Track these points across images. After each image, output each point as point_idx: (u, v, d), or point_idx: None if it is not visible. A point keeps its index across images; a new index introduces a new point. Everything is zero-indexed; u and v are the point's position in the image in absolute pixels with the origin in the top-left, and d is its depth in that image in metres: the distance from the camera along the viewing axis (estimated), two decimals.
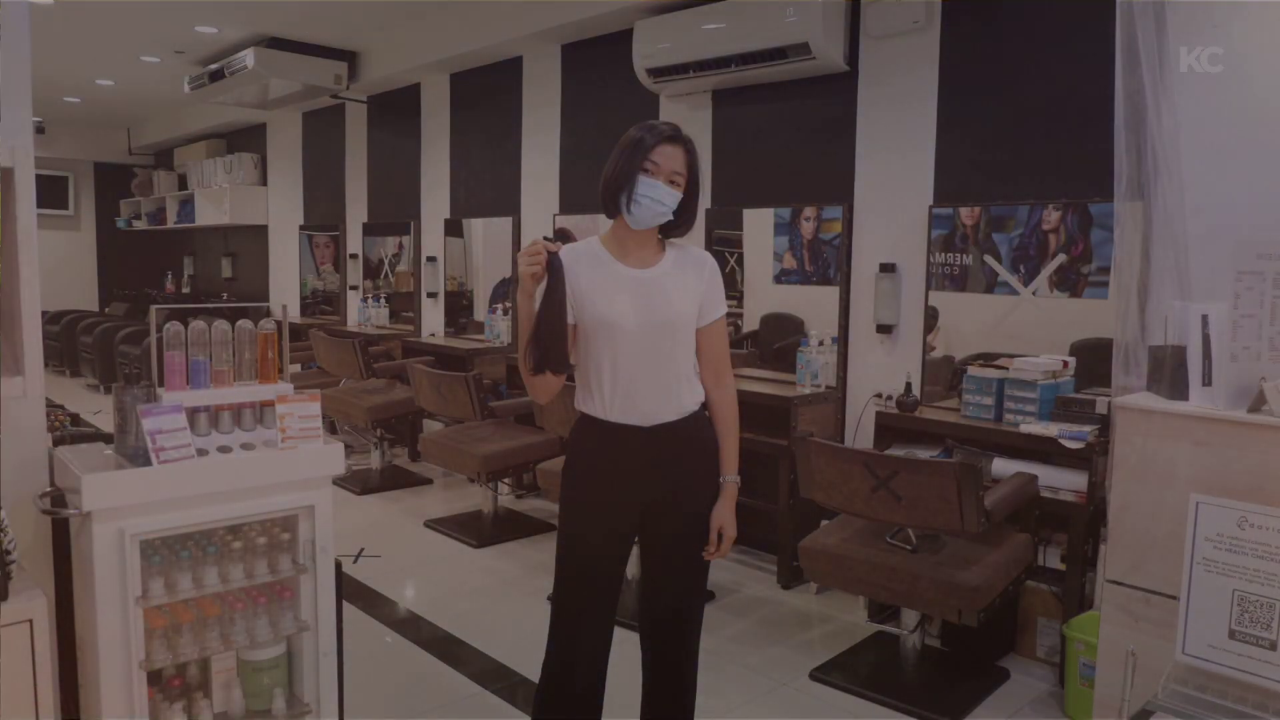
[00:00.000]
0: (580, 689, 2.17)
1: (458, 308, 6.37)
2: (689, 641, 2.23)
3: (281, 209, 8.52)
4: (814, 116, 4.23)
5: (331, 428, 6.24)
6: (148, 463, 1.94)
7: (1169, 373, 2.32)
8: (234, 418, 2.12)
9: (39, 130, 9.40)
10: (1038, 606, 3.26)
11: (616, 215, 2.07)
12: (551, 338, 2.00)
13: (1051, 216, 3.43)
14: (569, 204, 5.46)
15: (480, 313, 6.13)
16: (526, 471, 4.74)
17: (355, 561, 4.28)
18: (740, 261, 4.54)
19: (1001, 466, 3.25)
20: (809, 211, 4.24)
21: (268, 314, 2.32)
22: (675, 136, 2.05)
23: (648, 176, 2.01)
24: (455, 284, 6.43)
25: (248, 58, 6.18)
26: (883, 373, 3.96)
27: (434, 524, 4.86)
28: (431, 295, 6.57)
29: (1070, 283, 3.40)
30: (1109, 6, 2.63)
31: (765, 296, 4.47)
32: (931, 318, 3.80)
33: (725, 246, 4.58)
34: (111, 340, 8.94)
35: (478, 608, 3.83)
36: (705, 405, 2.16)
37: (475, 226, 6.25)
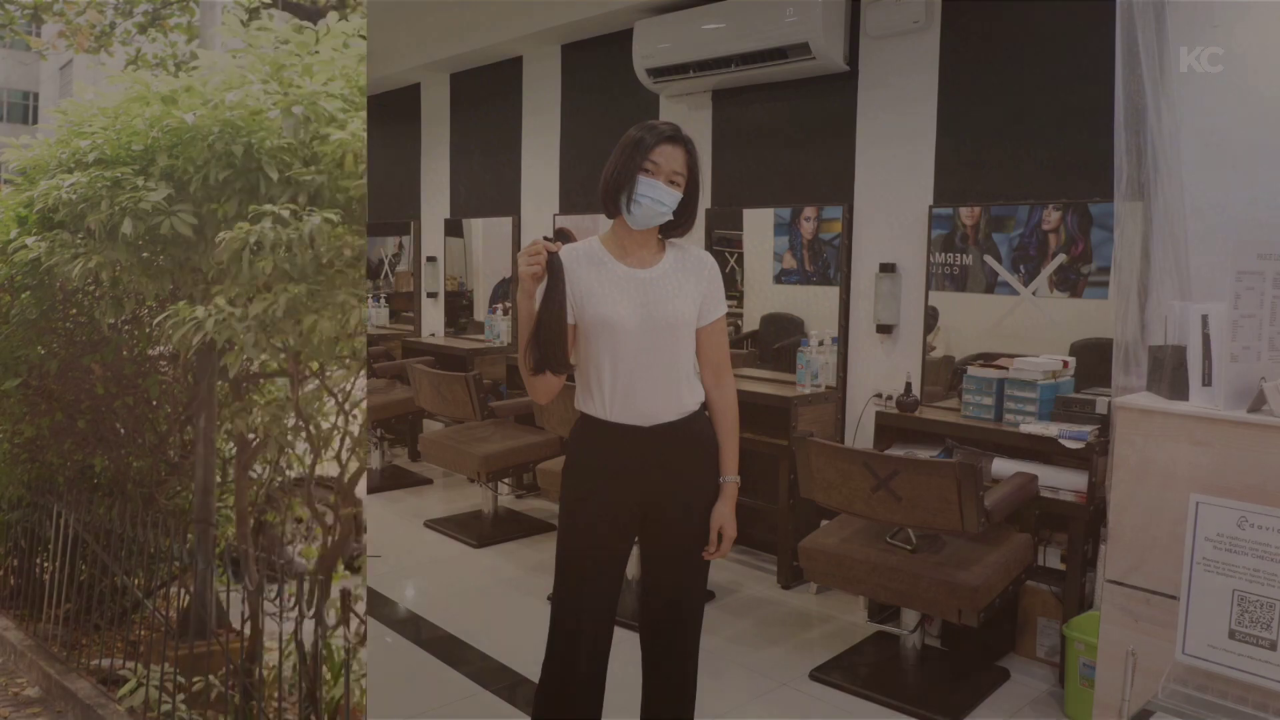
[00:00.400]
0: (580, 689, 2.17)
1: (458, 308, 6.37)
2: (689, 641, 2.23)
3: None
4: (814, 116, 4.23)
5: None
6: None
7: (1169, 373, 2.32)
8: None
9: None
10: (1038, 606, 3.26)
11: (616, 215, 2.07)
12: (551, 338, 2.00)
13: (1051, 216, 3.43)
14: (569, 204, 5.46)
15: (480, 313, 6.13)
16: (526, 471, 4.75)
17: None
18: (740, 261, 4.54)
19: (1001, 466, 3.24)
20: (809, 211, 4.24)
21: None
22: (675, 136, 2.05)
23: (647, 176, 2.01)
24: (455, 284, 6.43)
25: None
26: (883, 373, 3.95)
27: (434, 524, 4.86)
28: (431, 295, 6.57)
29: (1070, 283, 3.40)
30: (1109, 6, 2.63)
31: (765, 296, 4.47)
32: (931, 318, 3.79)
33: (725, 246, 4.57)
34: None
35: (478, 608, 3.83)
36: (705, 405, 2.16)
37: (475, 226, 6.25)
